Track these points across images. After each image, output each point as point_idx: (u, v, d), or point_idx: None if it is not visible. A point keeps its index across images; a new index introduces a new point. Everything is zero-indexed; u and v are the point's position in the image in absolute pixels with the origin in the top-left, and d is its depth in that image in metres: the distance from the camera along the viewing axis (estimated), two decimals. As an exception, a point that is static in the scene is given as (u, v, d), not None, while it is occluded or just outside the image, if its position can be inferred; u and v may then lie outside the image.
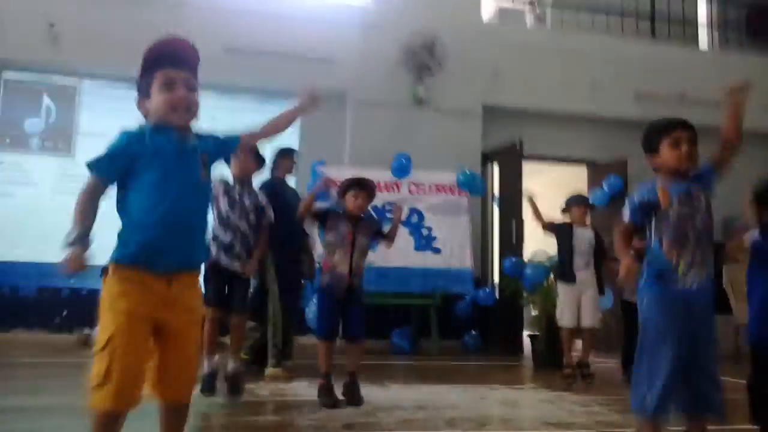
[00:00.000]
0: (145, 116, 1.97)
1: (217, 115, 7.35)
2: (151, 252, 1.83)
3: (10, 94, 7.17)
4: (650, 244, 2.45)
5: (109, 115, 6.97)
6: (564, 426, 3.33)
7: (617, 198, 6.80)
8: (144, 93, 1.94)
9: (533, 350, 5.97)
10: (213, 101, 7.54)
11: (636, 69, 8.05)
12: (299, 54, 7.16)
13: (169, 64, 1.92)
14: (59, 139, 7.17)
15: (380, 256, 6.54)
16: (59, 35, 6.80)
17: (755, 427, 2.73)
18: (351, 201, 3.88)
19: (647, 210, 2.43)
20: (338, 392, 3.76)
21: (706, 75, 8.19)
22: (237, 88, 7.50)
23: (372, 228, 4.04)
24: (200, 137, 2.02)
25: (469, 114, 7.60)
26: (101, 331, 1.81)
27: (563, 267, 4.93)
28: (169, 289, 1.86)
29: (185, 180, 1.89)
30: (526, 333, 6.79)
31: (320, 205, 4.19)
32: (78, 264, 1.77)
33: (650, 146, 2.51)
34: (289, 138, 7.50)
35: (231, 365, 3.84)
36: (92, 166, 1.84)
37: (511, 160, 7.25)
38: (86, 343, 6.10)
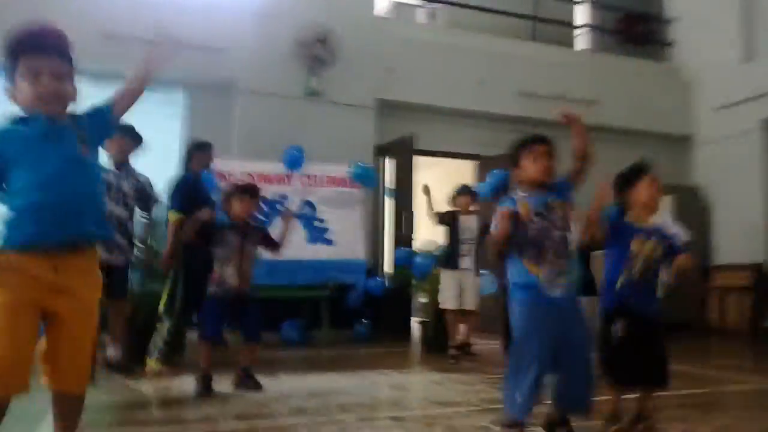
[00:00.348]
0: (15, 103, 1.90)
1: (92, 102, 6.99)
2: (30, 233, 1.77)
3: None
4: (513, 256, 2.67)
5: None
6: (451, 404, 3.49)
7: (501, 189, 7.15)
8: (11, 81, 1.88)
9: (422, 336, 6.18)
10: (91, 90, 7.13)
11: (519, 68, 8.48)
12: (184, 41, 6.89)
13: (32, 51, 1.85)
14: None
15: (273, 249, 6.53)
16: None
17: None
18: (237, 206, 3.88)
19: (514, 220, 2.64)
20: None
21: (584, 75, 8.81)
22: (117, 75, 7.09)
23: (259, 236, 4.03)
24: (75, 117, 1.97)
25: (363, 108, 7.67)
26: None
27: (447, 254, 5.20)
28: (56, 275, 1.79)
29: (61, 157, 1.85)
30: (415, 320, 7.01)
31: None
32: None
33: (514, 161, 2.79)
34: (173, 127, 7.25)
35: (111, 351, 3.69)
36: None
37: (404, 153, 7.42)
38: None
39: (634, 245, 2.84)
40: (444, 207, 5.56)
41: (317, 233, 6.79)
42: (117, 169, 3.84)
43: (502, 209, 2.67)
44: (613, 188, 3.00)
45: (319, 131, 7.30)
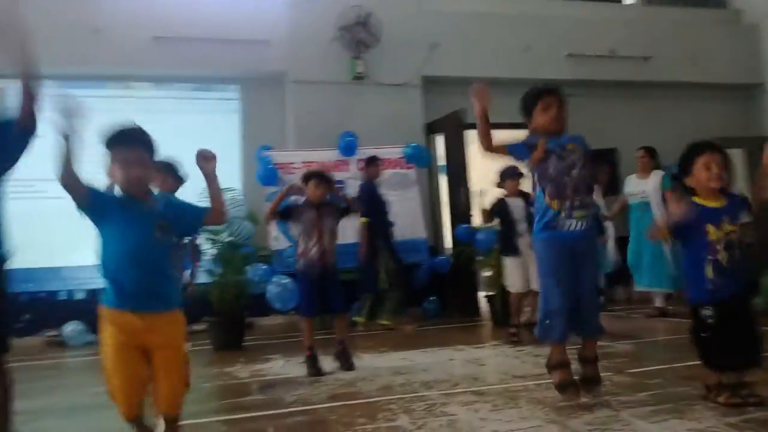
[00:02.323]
0: (113, 181, 2.34)
1: (155, 106, 7.25)
2: (115, 303, 2.22)
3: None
4: (536, 194, 2.96)
5: (46, 114, 6.73)
6: (531, 377, 3.56)
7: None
8: (108, 166, 2.31)
9: (491, 310, 6.24)
10: (150, 92, 7.41)
11: (566, 29, 8.32)
12: (231, 38, 7.08)
13: (122, 144, 2.27)
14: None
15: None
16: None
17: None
18: (312, 190, 4.19)
19: (529, 147, 2.92)
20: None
21: (635, 31, 8.58)
22: (171, 77, 7.37)
23: (335, 209, 4.29)
24: (167, 204, 2.41)
25: (409, 86, 7.70)
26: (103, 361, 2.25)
27: (505, 241, 5.16)
28: (143, 322, 2.22)
29: (138, 238, 2.25)
30: (482, 294, 7.08)
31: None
32: None
33: (526, 111, 3.01)
34: (231, 125, 7.46)
35: None
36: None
37: (454, 129, 7.43)
38: (55, 344, 6.31)
39: (710, 230, 2.70)
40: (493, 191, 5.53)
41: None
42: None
43: (529, 140, 2.97)
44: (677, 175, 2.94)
45: (369, 114, 7.39)
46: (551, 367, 2.96)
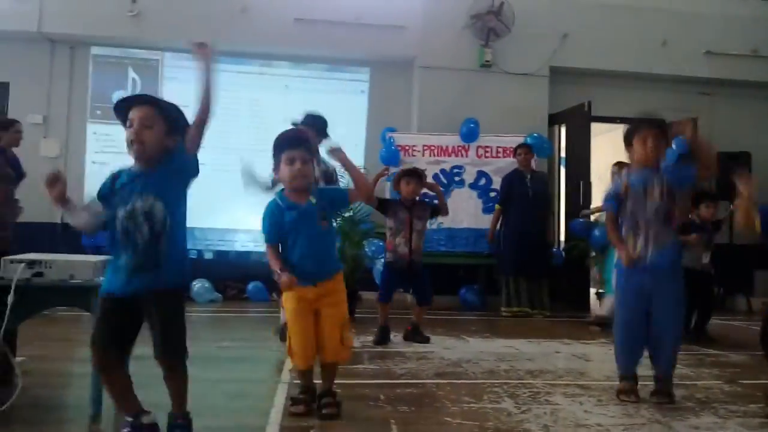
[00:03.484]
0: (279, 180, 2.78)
1: (290, 84, 7.71)
2: (300, 276, 2.65)
3: (99, 68, 7.64)
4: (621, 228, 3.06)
5: (191, 85, 7.36)
6: (639, 378, 3.56)
7: (687, 157, 6.81)
8: (276, 166, 2.72)
9: (600, 308, 6.15)
10: (286, 70, 7.88)
11: (706, 25, 7.87)
12: (368, 22, 7.35)
13: (288, 147, 2.67)
14: (147, 110, 7.62)
15: (450, 219, 6.83)
16: (141, 11, 7.19)
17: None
18: (404, 188, 4.53)
19: (617, 199, 3.04)
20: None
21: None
22: (308, 57, 7.77)
23: (426, 210, 4.63)
24: (319, 194, 2.75)
25: (536, 76, 7.63)
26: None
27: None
28: (317, 290, 2.70)
29: (309, 233, 2.68)
30: (592, 290, 6.98)
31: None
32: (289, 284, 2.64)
33: (627, 141, 3.05)
34: (358, 105, 7.77)
35: None
36: (267, 240, 2.72)
37: (579, 121, 7.30)
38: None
39: None
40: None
41: (492, 203, 6.98)
42: None
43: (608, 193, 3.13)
44: None
45: (493, 102, 7.43)
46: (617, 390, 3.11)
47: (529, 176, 6.50)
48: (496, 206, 6.64)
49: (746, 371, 3.78)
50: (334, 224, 3.36)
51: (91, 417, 2.56)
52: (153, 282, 2.18)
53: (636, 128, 2.99)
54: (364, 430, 2.54)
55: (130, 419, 2.23)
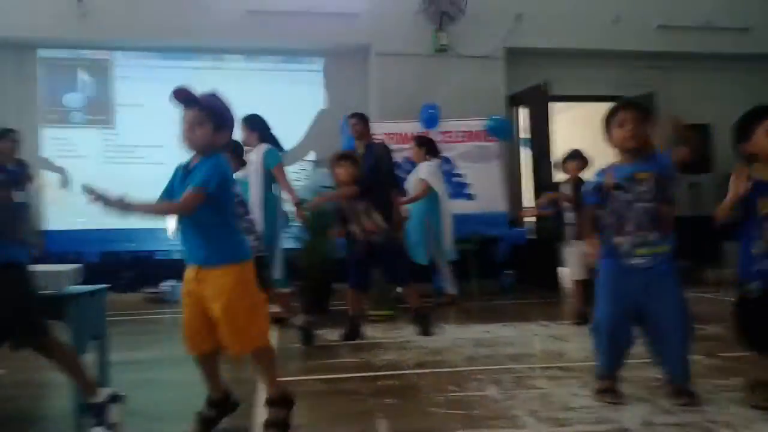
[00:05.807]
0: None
1: (245, 77, 7.55)
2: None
3: (47, 71, 7.35)
4: (604, 222, 2.74)
5: (144, 85, 7.18)
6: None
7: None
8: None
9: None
10: (241, 64, 7.72)
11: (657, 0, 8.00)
12: (321, 11, 7.24)
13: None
14: (99, 111, 7.38)
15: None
16: (89, 11, 6.92)
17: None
18: (338, 171, 4.40)
19: (599, 192, 2.73)
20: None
21: (731, 0, 8.13)
22: (262, 50, 7.63)
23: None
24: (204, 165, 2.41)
25: (492, 59, 7.64)
26: None
27: (557, 227, 5.05)
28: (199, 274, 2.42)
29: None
30: (562, 270, 7.06)
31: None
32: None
33: (606, 126, 2.75)
34: (314, 96, 7.68)
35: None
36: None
37: (538, 101, 7.35)
38: (153, 300, 6.79)
39: (762, 204, 2.57)
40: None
41: (458, 188, 7.01)
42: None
43: (588, 186, 2.83)
44: (732, 140, 2.75)
45: (452, 87, 7.42)
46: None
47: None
48: None
49: (723, 344, 3.81)
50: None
51: (75, 428, 2.55)
52: None
53: (613, 111, 2.73)
54: (351, 426, 2.51)
55: None
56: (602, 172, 2.78)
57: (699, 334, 4.11)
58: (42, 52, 7.33)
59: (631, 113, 2.67)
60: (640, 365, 3.08)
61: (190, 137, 2.37)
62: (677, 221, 2.73)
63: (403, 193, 5.66)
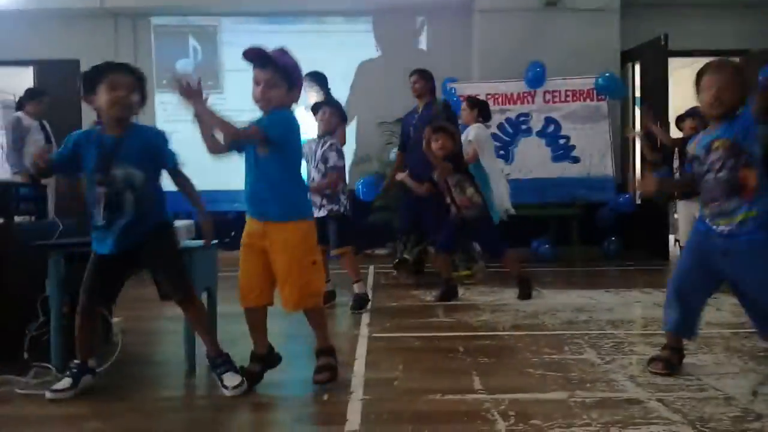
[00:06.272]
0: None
1: (344, 40, 7.59)
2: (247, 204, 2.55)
3: (160, 39, 7.75)
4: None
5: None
6: (727, 326, 3.38)
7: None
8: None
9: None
10: (342, 26, 7.76)
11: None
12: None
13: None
14: (208, 76, 7.70)
15: (517, 168, 6.64)
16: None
17: None
18: (434, 145, 4.30)
19: (691, 162, 2.59)
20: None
21: None
22: (362, 11, 7.63)
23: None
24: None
25: (606, 11, 7.18)
26: None
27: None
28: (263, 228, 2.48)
29: (248, 156, 2.49)
30: (673, 237, 6.66)
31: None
32: None
33: (696, 89, 2.52)
34: (417, 56, 7.58)
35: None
36: None
37: (655, 57, 6.84)
38: None
39: None
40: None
41: (562, 151, 6.73)
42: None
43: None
44: None
45: (560, 43, 7.06)
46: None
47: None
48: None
49: None
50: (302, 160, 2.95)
51: (187, 371, 2.73)
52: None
53: (700, 72, 2.50)
54: (446, 381, 2.49)
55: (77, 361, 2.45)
56: (692, 141, 2.63)
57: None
58: (156, 20, 7.72)
59: (716, 76, 2.43)
60: (748, 335, 2.86)
61: (264, 98, 2.38)
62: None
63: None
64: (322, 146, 3.99)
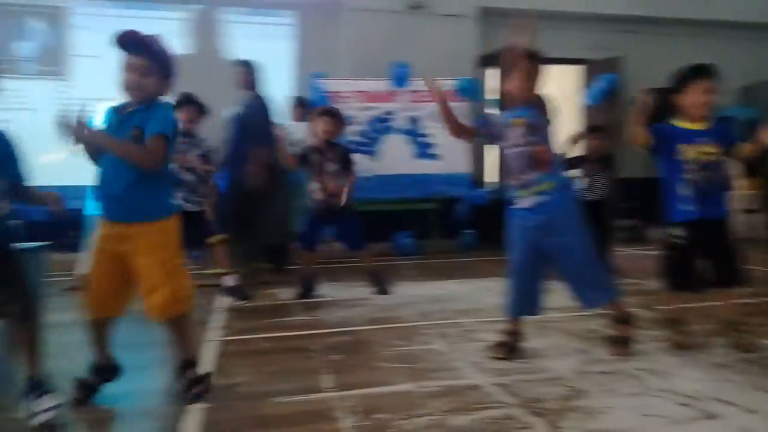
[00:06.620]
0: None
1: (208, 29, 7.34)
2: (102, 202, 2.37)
3: (-3, 18, 7.04)
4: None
5: (102, 35, 6.90)
6: (563, 309, 3.65)
7: (612, 93, 6.90)
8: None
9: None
10: (206, 15, 7.49)
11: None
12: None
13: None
14: (53, 62, 7.12)
15: (383, 165, 6.80)
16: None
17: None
18: (319, 127, 4.33)
19: (484, 123, 2.90)
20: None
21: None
22: (230, 1, 7.42)
23: (340, 154, 4.40)
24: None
25: (464, 17, 7.54)
26: None
27: None
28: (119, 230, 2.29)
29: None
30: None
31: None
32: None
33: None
34: (283, 51, 7.51)
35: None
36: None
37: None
38: None
39: (683, 150, 2.76)
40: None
41: (423, 148, 6.97)
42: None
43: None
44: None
45: (424, 45, 7.30)
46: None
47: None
48: None
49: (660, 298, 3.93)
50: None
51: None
52: None
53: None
54: (293, 383, 2.52)
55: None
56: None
57: (637, 288, 4.26)
58: (-7, -2, 7.00)
59: (516, 63, 2.69)
60: (578, 318, 3.16)
61: (136, 86, 2.26)
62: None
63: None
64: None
